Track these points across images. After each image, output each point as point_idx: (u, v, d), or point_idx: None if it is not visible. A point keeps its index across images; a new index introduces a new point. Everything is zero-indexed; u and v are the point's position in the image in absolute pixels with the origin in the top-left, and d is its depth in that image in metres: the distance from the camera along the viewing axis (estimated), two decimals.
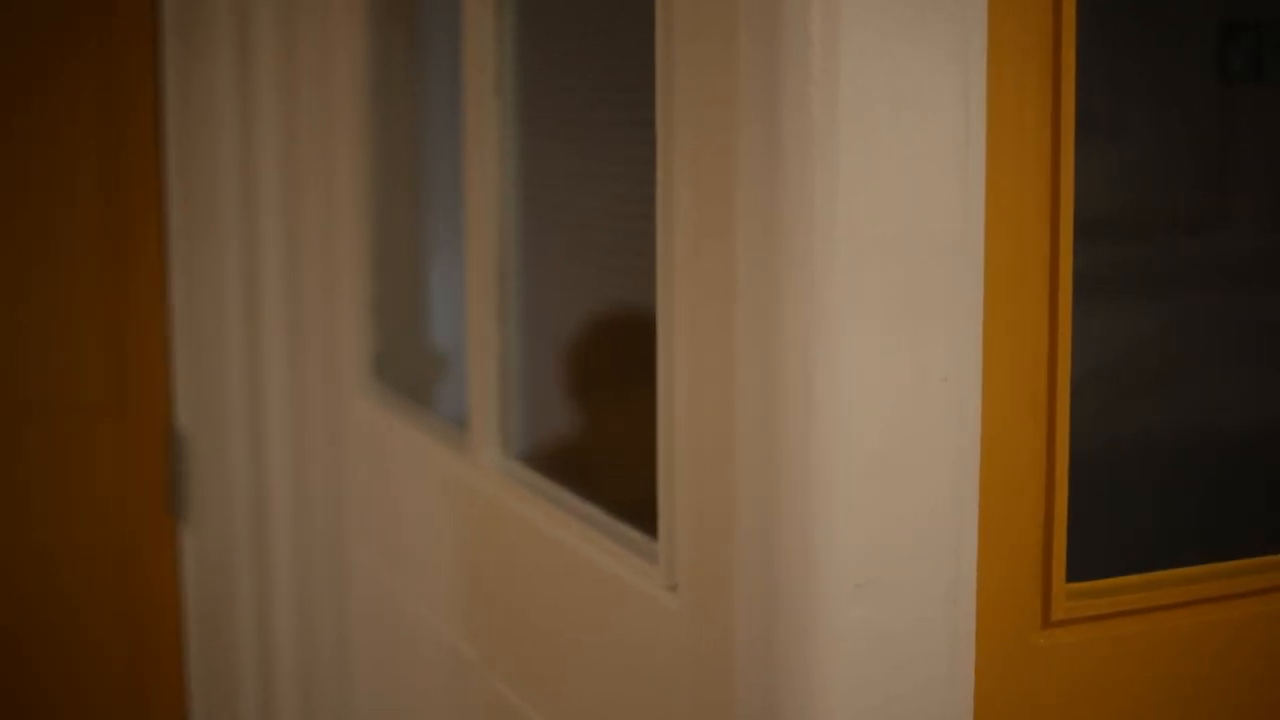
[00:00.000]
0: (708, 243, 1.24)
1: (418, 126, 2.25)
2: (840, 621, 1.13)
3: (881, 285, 1.13)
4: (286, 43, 2.35)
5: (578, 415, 1.81)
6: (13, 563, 2.57)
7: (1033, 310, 1.19)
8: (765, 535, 1.18)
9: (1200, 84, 1.51)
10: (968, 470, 1.16)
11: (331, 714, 2.42)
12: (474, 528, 1.83)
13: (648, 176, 1.36)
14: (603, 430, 1.76)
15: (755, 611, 1.18)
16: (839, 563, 1.14)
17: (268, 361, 2.45)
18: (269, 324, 2.44)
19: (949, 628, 1.16)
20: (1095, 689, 1.23)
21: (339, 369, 2.30)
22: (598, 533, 1.53)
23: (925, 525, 1.16)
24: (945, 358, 1.15)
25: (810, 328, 1.13)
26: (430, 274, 2.28)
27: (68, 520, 2.58)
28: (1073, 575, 1.22)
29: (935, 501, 1.15)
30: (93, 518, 2.60)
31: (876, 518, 1.15)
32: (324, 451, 2.37)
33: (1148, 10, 1.41)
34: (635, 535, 1.46)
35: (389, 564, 2.16)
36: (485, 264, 1.81)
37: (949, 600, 1.16)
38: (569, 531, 1.58)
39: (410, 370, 2.24)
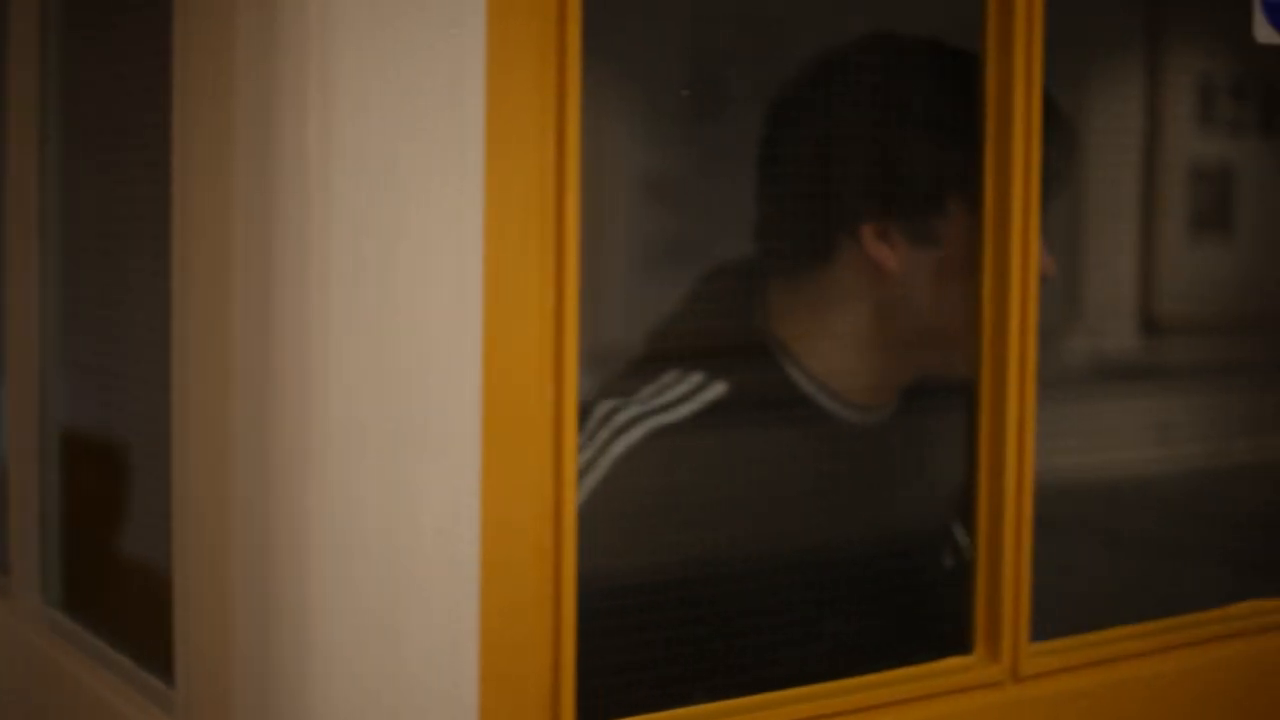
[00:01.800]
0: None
1: None
2: None
3: (374, 430, 1.10)
4: None
5: (111, 556, 1.73)
6: None
7: (536, 456, 1.17)
8: (262, 694, 1.13)
9: None
10: (466, 624, 1.13)
11: None
12: (14, 683, 1.73)
13: None
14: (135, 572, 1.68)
15: None
16: (340, 713, 1.10)
17: None
18: None
19: None
20: None
21: None
22: (127, 684, 1.46)
23: (423, 681, 1.12)
24: (440, 510, 1.12)
25: (302, 467, 1.09)
26: None
27: None
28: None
29: (430, 657, 1.12)
30: None
31: (373, 675, 1.11)
32: None
33: None
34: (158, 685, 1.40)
35: None
36: (25, 393, 1.72)
37: None
38: (99, 682, 1.50)
39: None
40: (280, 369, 1.10)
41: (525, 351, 1.16)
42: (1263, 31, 1.56)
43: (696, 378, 1.47)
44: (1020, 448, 1.43)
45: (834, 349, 1.53)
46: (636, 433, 1.45)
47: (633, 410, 1.46)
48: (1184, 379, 2.01)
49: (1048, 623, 1.47)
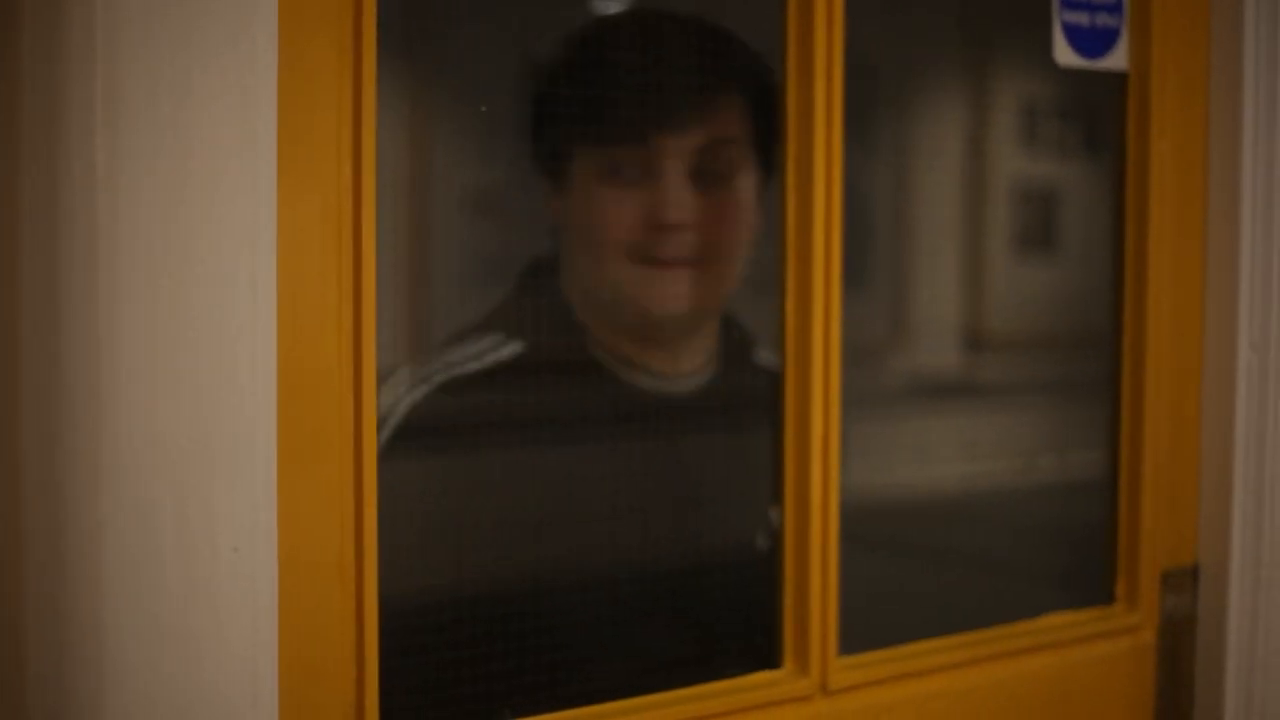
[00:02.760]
0: None
1: None
2: None
3: (168, 445, 1.08)
4: None
5: None
6: None
7: (335, 470, 1.16)
8: (55, 713, 1.11)
9: None
10: (265, 640, 1.12)
11: None
12: None
13: None
14: None
15: None
16: None
17: None
18: None
19: None
20: None
21: None
22: None
23: (220, 698, 1.11)
24: (236, 526, 1.11)
25: (93, 482, 1.07)
26: None
27: None
28: None
29: (230, 672, 1.11)
30: None
31: (169, 693, 1.09)
32: None
33: None
34: None
35: None
36: None
37: None
38: None
39: None
40: (70, 384, 1.08)
41: (322, 365, 1.15)
42: (1063, 54, 1.60)
43: (494, 338, 1.47)
44: (825, 463, 1.45)
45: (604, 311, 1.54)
46: (428, 386, 1.44)
47: (431, 367, 1.46)
48: (1000, 396, 2.05)
49: (856, 638, 1.49)
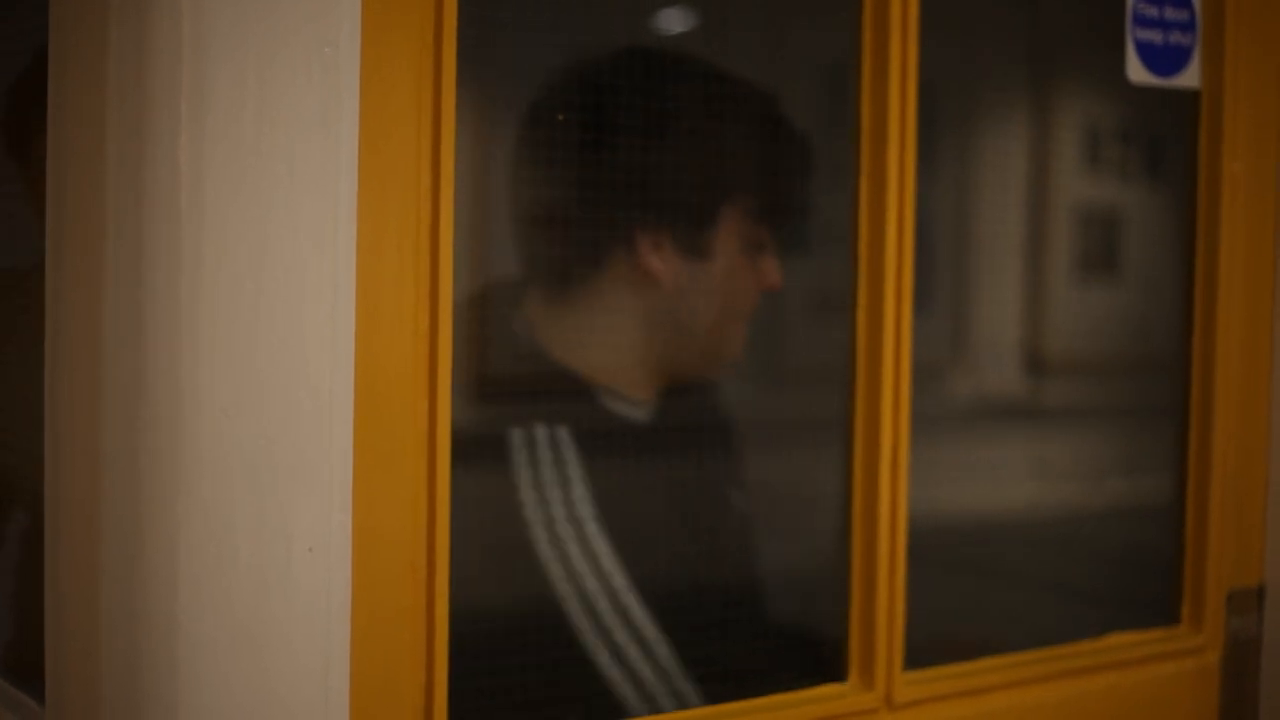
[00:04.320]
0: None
1: None
2: None
3: (245, 446, 1.10)
4: None
5: None
6: None
7: (409, 474, 1.17)
8: (131, 713, 1.12)
9: None
10: (337, 641, 1.13)
11: None
12: None
13: None
14: None
15: None
16: None
17: None
18: None
19: None
20: None
21: None
22: None
23: (293, 699, 1.12)
24: (311, 527, 1.12)
25: (172, 482, 1.09)
26: None
27: None
28: None
29: (302, 673, 1.12)
30: None
31: (243, 693, 1.10)
32: None
33: None
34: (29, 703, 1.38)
35: None
36: None
37: None
38: None
39: None
40: (152, 385, 1.10)
41: (398, 369, 1.16)
42: (1136, 72, 1.60)
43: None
44: (894, 481, 1.45)
45: (603, 349, 1.57)
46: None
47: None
48: (1066, 418, 2.04)
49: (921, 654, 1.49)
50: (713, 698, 1.39)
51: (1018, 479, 1.91)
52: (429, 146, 1.16)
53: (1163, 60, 1.60)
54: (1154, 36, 1.59)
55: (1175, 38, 1.61)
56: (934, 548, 1.55)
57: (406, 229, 1.16)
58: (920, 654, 1.49)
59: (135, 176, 1.09)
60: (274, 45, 1.09)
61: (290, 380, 1.11)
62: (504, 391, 1.53)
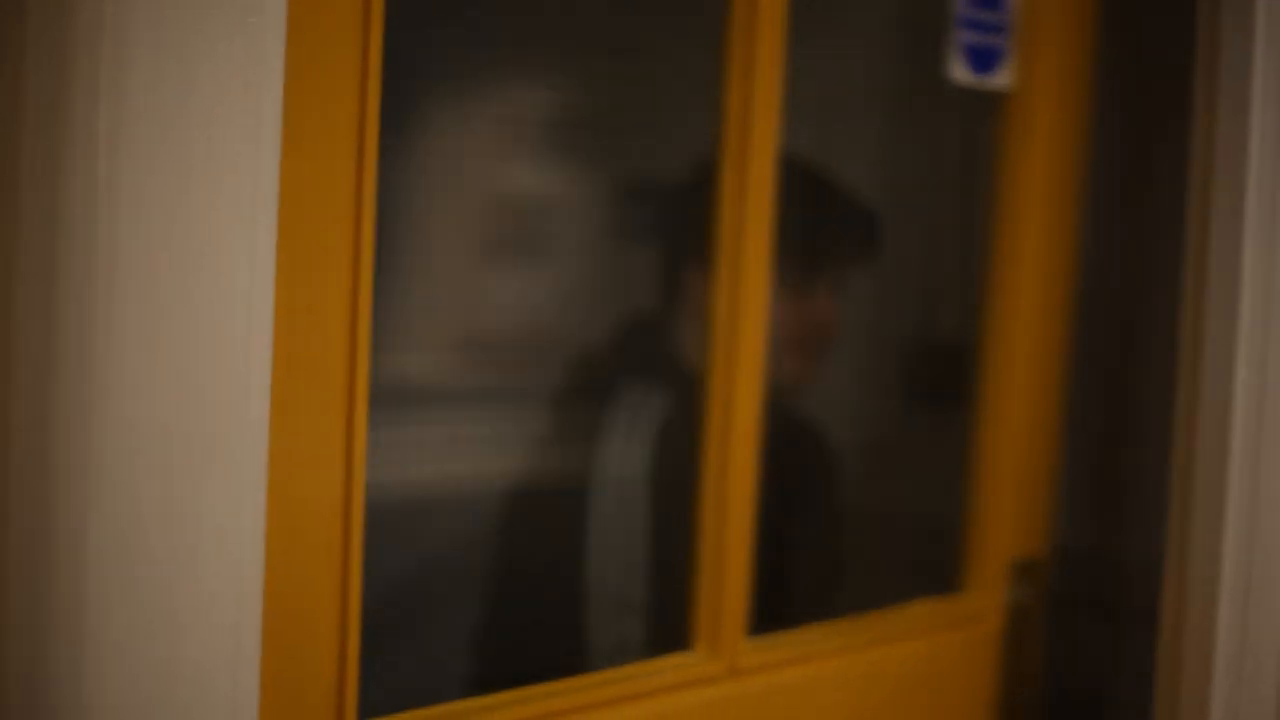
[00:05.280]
0: None
1: None
2: None
3: (158, 425, 1.08)
4: None
5: None
6: None
7: (326, 451, 1.17)
8: (37, 693, 1.10)
9: None
10: (248, 621, 1.12)
11: None
12: None
13: None
14: None
15: None
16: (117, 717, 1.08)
17: None
18: None
19: None
20: None
21: None
22: None
23: (200, 676, 1.11)
24: (224, 506, 1.11)
25: (81, 462, 1.06)
26: None
27: None
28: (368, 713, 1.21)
29: (212, 652, 1.11)
30: None
31: (152, 671, 1.09)
32: None
33: None
34: None
35: None
36: None
37: None
38: None
39: None
40: (62, 361, 1.07)
41: (317, 346, 1.16)
42: (958, 71, 1.69)
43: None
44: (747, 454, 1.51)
45: None
46: None
47: None
48: None
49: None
50: (567, 671, 1.42)
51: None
52: (355, 115, 1.16)
53: (981, 60, 1.70)
54: (975, 38, 1.68)
55: (992, 40, 1.71)
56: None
57: (331, 205, 1.16)
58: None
59: (52, 148, 1.06)
60: (197, 15, 1.07)
61: (206, 357, 1.10)
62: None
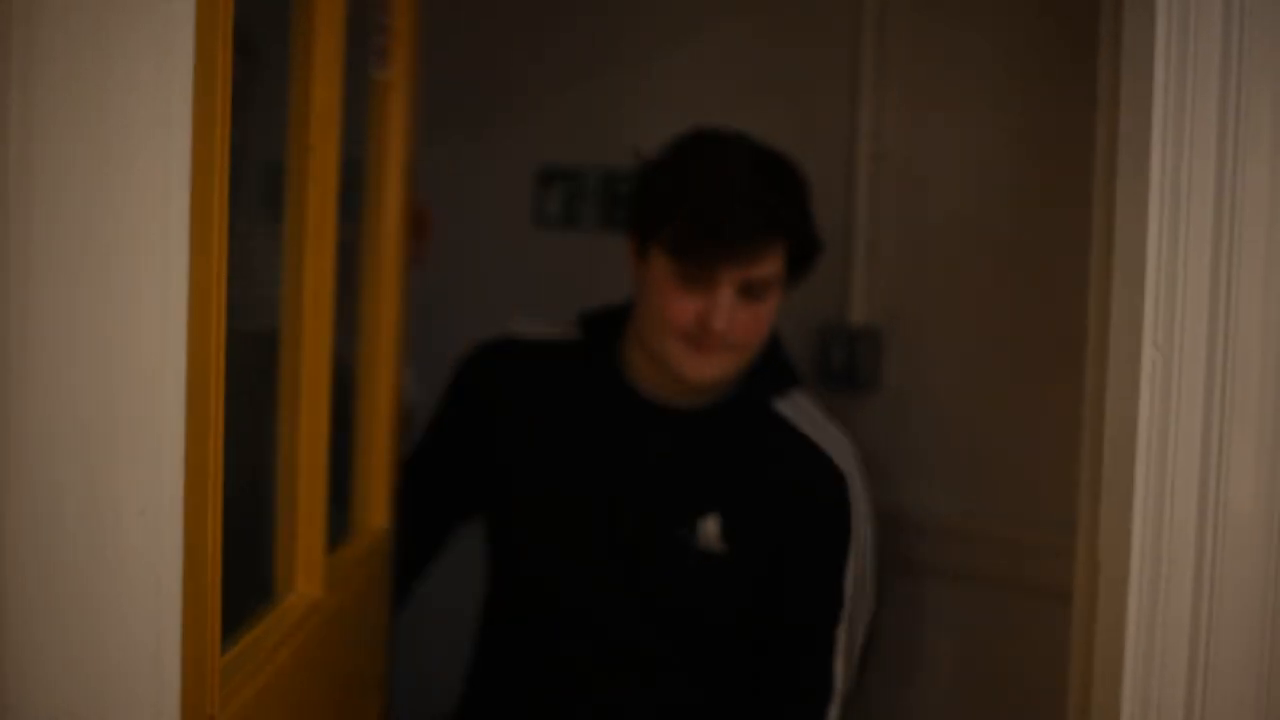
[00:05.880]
0: None
1: None
2: None
3: (76, 410, 1.09)
4: None
5: None
6: None
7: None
8: None
9: None
10: (168, 604, 1.12)
11: None
12: None
13: None
14: None
15: None
16: (37, 700, 1.09)
17: None
18: None
19: None
20: None
21: None
22: None
23: (125, 660, 1.11)
24: (141, 490, 1.11)
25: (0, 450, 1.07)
26: None
27: None
28: None
29: (133, 637, 1.11)
30: None
31: (73, 656, 1.09)
32: None
33: None
34: None
35: None
36: None
37: None
38: None
39: None
40: None
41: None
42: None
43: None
44: None
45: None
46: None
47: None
48: None
49: None
50: None
51: None
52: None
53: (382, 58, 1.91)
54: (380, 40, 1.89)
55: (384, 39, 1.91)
56: None
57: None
58: None
59: None
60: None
61: (121, 342, 1.10)
62: None
